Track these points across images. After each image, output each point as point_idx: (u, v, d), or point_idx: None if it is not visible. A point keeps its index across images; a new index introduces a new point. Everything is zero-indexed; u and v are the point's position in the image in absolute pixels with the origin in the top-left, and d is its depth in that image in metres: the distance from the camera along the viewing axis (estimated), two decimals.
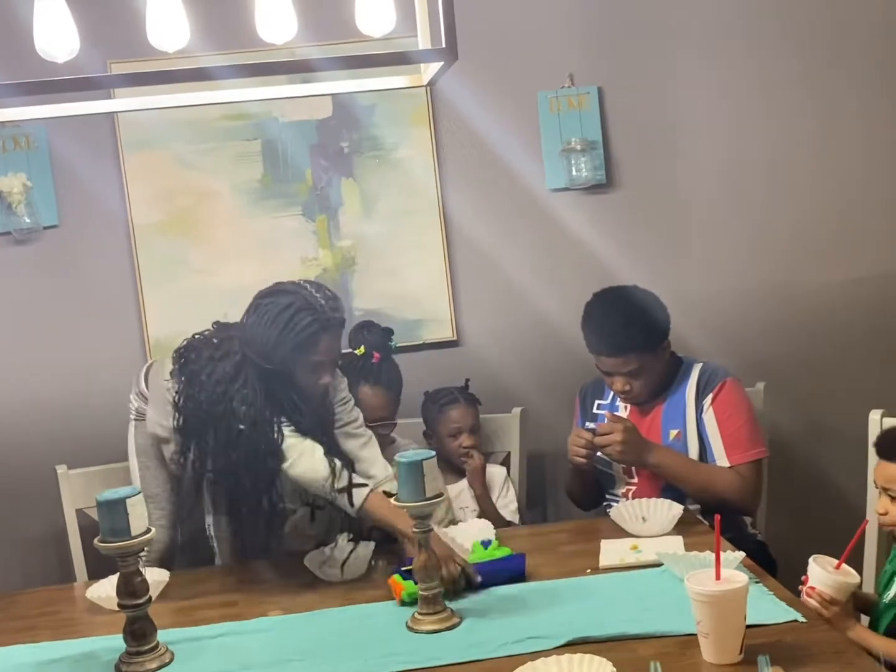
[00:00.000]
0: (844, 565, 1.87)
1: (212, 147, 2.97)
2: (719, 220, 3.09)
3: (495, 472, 2.75)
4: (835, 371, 3.11)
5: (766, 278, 3.08)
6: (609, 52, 3.02)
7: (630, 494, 2.52)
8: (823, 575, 1.85)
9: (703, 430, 2.49)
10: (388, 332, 2.61)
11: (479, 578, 2.02)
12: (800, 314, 3.10)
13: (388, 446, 2.54)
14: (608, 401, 2.64)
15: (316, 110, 2.99)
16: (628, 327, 2.46)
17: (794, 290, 3.10)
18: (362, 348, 2.54)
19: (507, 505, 2.70)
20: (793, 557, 2.46)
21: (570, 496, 2.76)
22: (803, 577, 1.88)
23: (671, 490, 2.45)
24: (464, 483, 2.69)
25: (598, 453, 2.47)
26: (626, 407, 2.60)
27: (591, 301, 2.58)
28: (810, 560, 1.88)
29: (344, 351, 2.43)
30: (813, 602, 1.84)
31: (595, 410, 2.66)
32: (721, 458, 2.46)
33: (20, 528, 2.85)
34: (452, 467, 2.71)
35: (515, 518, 2.70)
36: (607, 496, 2.63)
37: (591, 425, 2.54)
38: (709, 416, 2.48)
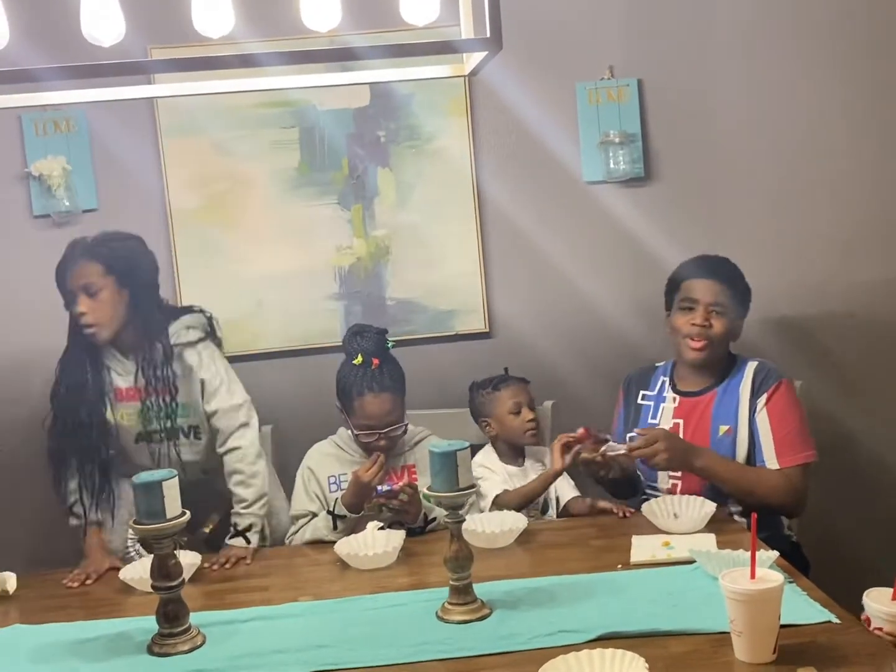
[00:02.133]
0: None
1: (250, 133, 2.98)
2: (759, 214, 3.06)
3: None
4: (871, 371, 3.07)
5: (805, 274, 3.04)
6: (649, 44, 3.00)
7: (677, 490, 2.49)
8: (883, 612, 1.72)
9: (755, 429, 2.46)
10: (383, 333, 2.54)
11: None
12: (835, 311, 3.07)
13: (402, 436, 2.53)
14: (655, 392, 2.62)
15: (354, 99, 2.99)
16: (729, 266, 2.56)
17: (833, 286, 3.07)
18: (360, 357, 2.47)
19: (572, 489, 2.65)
20: (824, 559, 2.45)
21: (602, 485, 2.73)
22: (863, 616, 1.76)
23: (707, 479, 2.43)
24: (525, 466, 2.64)
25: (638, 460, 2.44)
26: (674, 398, 2.57)
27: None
28: (864, 597, 1.76)
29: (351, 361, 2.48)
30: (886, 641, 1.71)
31: (640, 401, 2.63)
32: (771, 460, 2.43)
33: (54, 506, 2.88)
34: (517, 450, 2.68)
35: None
36: (648, 491, 2.59)
37: (610, 445, 2.41)
38: (762, 417, 2.45)
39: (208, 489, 2.49)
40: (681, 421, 2.54)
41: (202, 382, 2.46)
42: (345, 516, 2.37)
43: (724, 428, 2.49)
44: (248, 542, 2.38)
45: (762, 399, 2.46)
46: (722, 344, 2.52)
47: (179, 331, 2.46)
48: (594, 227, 3.03)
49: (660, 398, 2.60)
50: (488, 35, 1.63)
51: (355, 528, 2.35)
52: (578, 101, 2.98)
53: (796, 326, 3.03)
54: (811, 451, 2.46)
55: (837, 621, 1.74)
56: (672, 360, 2.64)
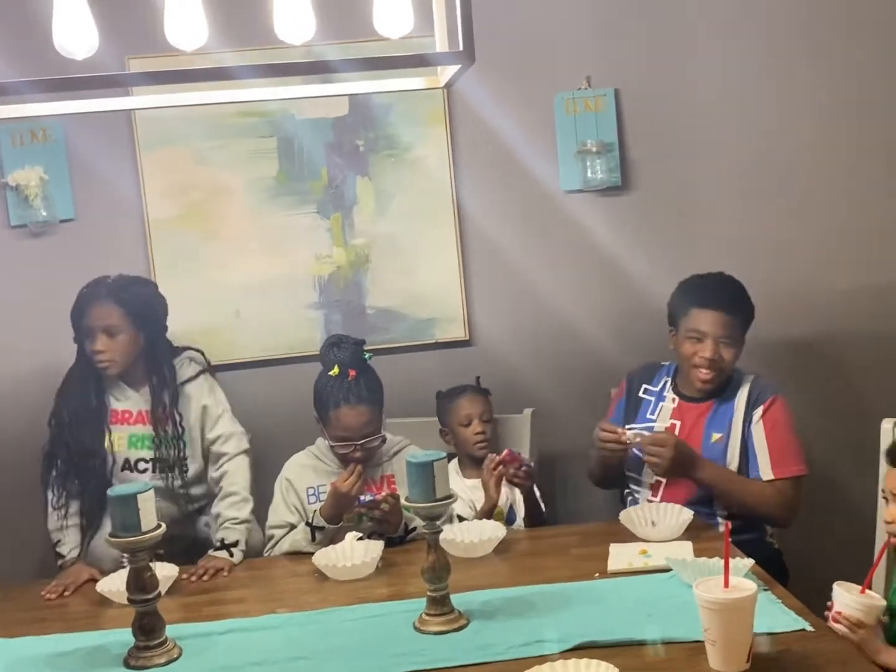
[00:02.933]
0: (868, 590, 1.85)
1: (228, 143, 2.98)
2: (734, 223, 3.08)
3: None
4: (848, 379, 3.09)
5: (782, 284, 3.06)
6: (626, 54, 3.01)
7: (660, 486, 2.52)
8: (849, 598, 1.82)
9: (749, 440, 2.49)
10: (360, 344, 2.54)
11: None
12: (816, 320, 3.09)
13: (379, 447, 2.53)
14: (657, 388, 2.64)
15: (332, 108, 2.99)
16: (739, 292, 2.55)
17: (810, 295, 3.08)
18: (336, 368, 2.47)
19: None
20: (805, 568, 2.46)
21: (591, 476, 2.76)
22: (829, 604, 1.85)
23: (701, 487, 2.46)
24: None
25: (635, 451, 2.48)
26: (674, 399, 2.59)
27: (692, 276, 2.62)
28: (834, 586, 1.85)
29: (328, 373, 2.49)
30: (841, 627, 1.80)
31: (641, 394, 2.65)
32: (766, 470, 2.46)
33: (33, 518, 2.87)
34: (473, 461, 2.71)
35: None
36: (631, 485, 2.61)
37: (632, 432, 2.48)
38: (758, 429, 2.48)
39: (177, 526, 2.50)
40: (678, 422, 2.57)
41: (204, 409, 2.58)
42: (323, 528, 2.37)
43: (716, 435, 2.52)
44: (232, 555, 2.38)
45: (758, 411, 2.49)
46: (730, 370, 2.55)
47: (183, 365, 2.61)
48: (572, 235, 3.04)
49: (661, 396, 2.63)
50: (461, 48, 1.63)
51: (334, 538, 2.35)
52: (556, 110, 3.00)
53: (773, 337, 3.04)
54: (804, 466, 2.49)
55: (811, 629, 1.75)
56: (676, 364, 2.65)
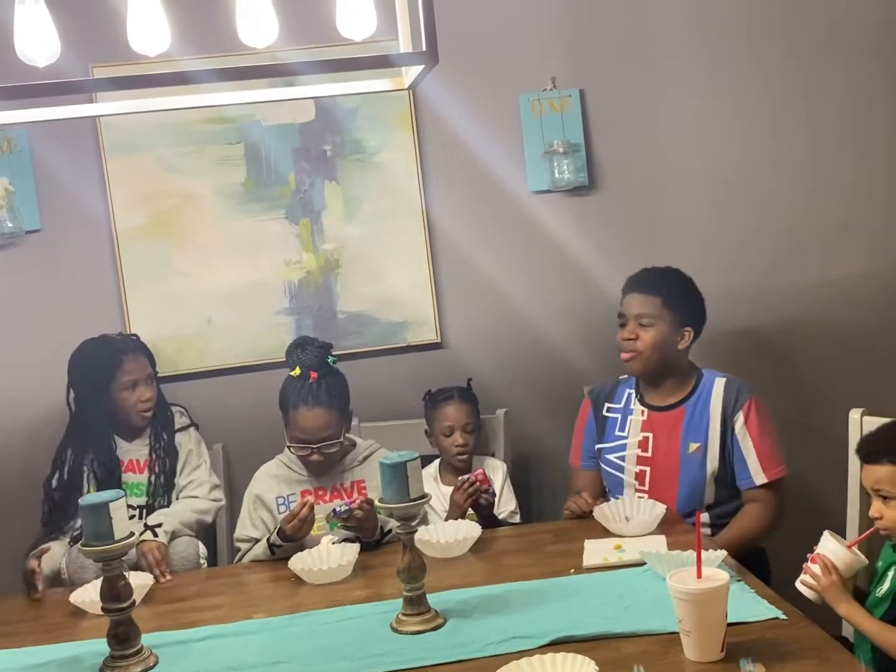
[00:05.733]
0: (854, 548, 1.89)
1: (194, 150, 2.97)
2: (701, 221, 3.11)
3: (498, 467, 2.74)
4: (814, 371, 3.13)
5: (746, 280, 3.10)
6: (591, 54, 3.04)
7: (646, 476, 2.52)
8: (834, 545, 1.86)
9: (735, 447, 2.48)
10: (326, 348, 2.54)
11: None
12: (778, 315, 3.12)
13: (349, 451, 2.53)
14: (621, 404, 2.61)
15: (299, 113, 2.99)
16: (663, 275, 2.58)
17: (775, 291, 3.12)
18: (298, 369, 2.48)
19: (507, 503, 2.67)
20: (787, 565, 2.48)
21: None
22: (814, 548, 1.89)
23: (689, 502, 2.46)
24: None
25: (607, 461, 2.49)
26: (642, 412, 2.57)
27: None
28: (825, 532, 1.90)
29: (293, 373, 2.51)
30: (814, 569, 1.84)
31: (605, 413, 2.63)
32: (758, 474, 2.46)
33: (6, 531, 2.84)
34: (453, 468, 2.70)
35: (515, 518, 2.65)
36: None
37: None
38: (744, 435, 2.47)
39: None
40: (650, 434, 2.54)
41: (189, 453, 2.70)
42: (281, 546, 2.35)
43: (693, 445, 2.50)
44: (156, 536, 2.43)
45: (739, 417, 2.48)
46: (654, 355, 2.51)
47: (176, 417, 2.75)
48: (540, 235, 3.05)
49: (627, 410, 2.60)
50: (424, 49, 1.64)
51: (306, 544, 2.34)
52: (522, 111, 3.01)
53: (741, 333, 3.07)
54: (783, 465, 2.49)
55: (784, 617, 1.77)
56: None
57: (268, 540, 2.39)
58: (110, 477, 2.61)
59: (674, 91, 3.07)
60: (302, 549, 2.30)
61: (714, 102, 3.08)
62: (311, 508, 2.32)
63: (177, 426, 2.73)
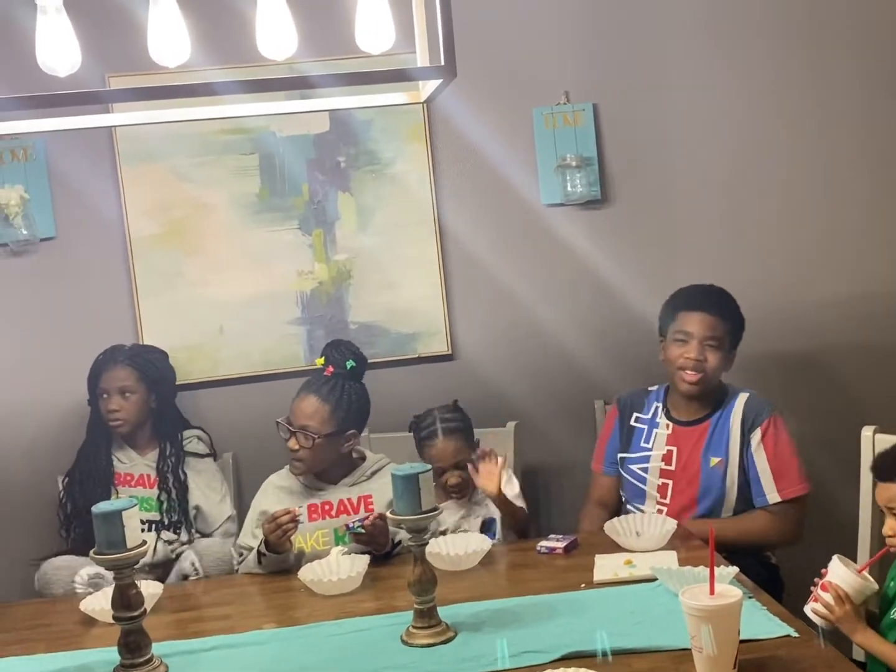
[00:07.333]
0: (864, 572, 1.88)
1: (209, 160, 2.98)
2: (713, 236, 3.10)
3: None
4: (827, 388, 3.12)
5: (761, 295, 3.09)
6: (604, 68, 3.05)
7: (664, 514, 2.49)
8: (845, 572, 1.84)
9: (750, 464, 2.49)
10: (356, 354, 2.54)
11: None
12: (792, 331, 3.11)
13: (358, 465, 2.50)
14: (649, 416, 2.62)
15: (313, 125, 3.00)
16: (724, 295, 2.58)
17: (789, 307, 3.11)
18: (322, 359, 2.54)
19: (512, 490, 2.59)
20: (801, 582, 2.47)
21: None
22: (822, 571, 1.87)
23: (710, 516, 2.48)
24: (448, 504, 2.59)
25: (630, 471, 2.50)
26: (667, 425, 2.57)
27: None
28: (834, 557, 1.87)
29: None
30: (826, 598, 1.83)
31: (633, 423, 2.63)
32: (771, 493, 2.47)
33: (20, 538, 2.85)
34: (444, 491, 2.61)
35: (519, 501, 2.56)
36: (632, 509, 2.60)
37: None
38: (759, 453, 2.48)
39: None
40: (674, 448, 2.55)
41: (208, 485, 2.74)
42: (266, 555, 2.33)
43: (715, 460, 2.51)
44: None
45: (756, 435, 2.49)
46: (716, 376, 2.55)
47: (192, 440, 2.79)
48: (553, 248, 3.05)
49: (653, 423, 2.60)
50: (443, 63, 1.65)
51: (290, 560, 2.34)
52: (535, 125, 3.02)
53: (758, 350, 3.06)
54: (805, 483, 2.49)
55: (796, 635, 1.77)
56: (665, 386, 2.65)
57: (258, 549, 2.37)
58: (93, 484, 2.66)
59: (688, 105, 3.08)
60: (286, 564, 2.31)
61: (727, 117, 3.08)
62: (295, 520, 2.29)
63: (193, 450, 2.76)
